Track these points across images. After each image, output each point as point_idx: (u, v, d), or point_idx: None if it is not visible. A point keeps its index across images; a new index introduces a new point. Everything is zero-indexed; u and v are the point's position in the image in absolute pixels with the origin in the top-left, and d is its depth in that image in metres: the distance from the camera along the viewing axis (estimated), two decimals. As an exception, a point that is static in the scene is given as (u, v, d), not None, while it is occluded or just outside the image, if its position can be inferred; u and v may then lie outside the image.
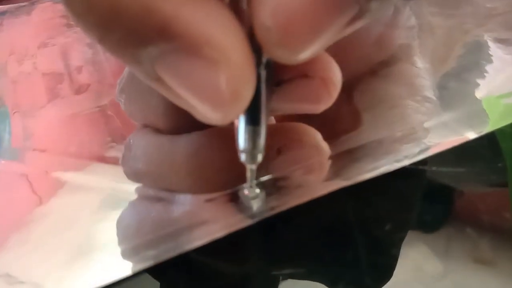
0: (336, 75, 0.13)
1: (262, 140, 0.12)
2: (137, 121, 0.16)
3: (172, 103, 0.13)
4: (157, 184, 0.15)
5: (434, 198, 0.15)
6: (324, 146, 0.15)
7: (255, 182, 0.14)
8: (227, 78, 0.10)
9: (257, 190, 0.14)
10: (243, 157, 0.13)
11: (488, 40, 0.19)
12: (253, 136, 0.12)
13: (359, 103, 0.16)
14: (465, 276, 0.13)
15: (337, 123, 0.16)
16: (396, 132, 0.15)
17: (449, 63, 0.18)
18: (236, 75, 0.10)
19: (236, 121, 0.13)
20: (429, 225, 0.14)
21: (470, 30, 0.20)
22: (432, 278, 0.13)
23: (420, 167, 0.16)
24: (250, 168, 0.13)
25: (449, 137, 0.16)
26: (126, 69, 0.15)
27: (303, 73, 0.13)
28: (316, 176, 0.14)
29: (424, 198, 0.15)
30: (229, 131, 0.14)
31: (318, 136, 0.15)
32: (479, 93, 0.17)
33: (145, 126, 0.15)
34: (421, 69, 0.17)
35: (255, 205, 0.14)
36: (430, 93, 0.16)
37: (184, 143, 0.14)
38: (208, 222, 0.14)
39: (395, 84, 0.17)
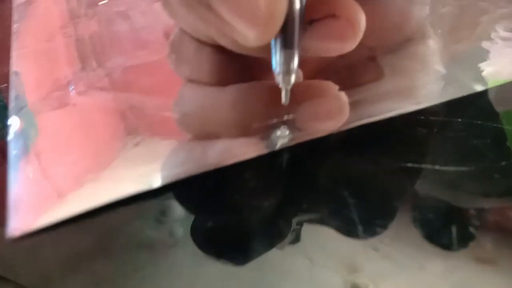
0: (360, 16, 0.14)
1: (295, 63, 0.14)
2: (185, 77, 0.18)
3: (218, 59, 0.16)
4: (202, 127, 0.17)
5: (436, 197, 0.15)
6: (343, 96, 0.16)
7: (288, 102, 0.15)
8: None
9: (287, 132, 0.16)
10: (279, 78, 0.14)
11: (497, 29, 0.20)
12: (287, 59, 0.14)
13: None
14: (467, 275, 0.13)
15: (362, 75, 0.18)
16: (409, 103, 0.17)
17: (462, 43, 0.20)
18: None
19: (272, 48, 0.14)
20: (431, 224, 0.14)
21: (483, 12, 0.21)
22: (434, 277, 0.13)
23: (423, 166, 0.16)
24: (286, 88, 0.15)
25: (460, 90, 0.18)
26: (176, 32, 0.18)
27: (331, 13, 0.14)
28: (337, 121, 0.16)
29: (426, 197, 0.15)
30: (268, 84, 0.16)
31: (337, 88, 0.16)
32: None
33: (191, 81, 0.18)
34: (433, 49, 0.19)
35: (280, 143, 0.16)
36: (440, 68, 0.19)
37: (228, 91, 0.17)
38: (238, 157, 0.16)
39: (411, 60, 0.19)
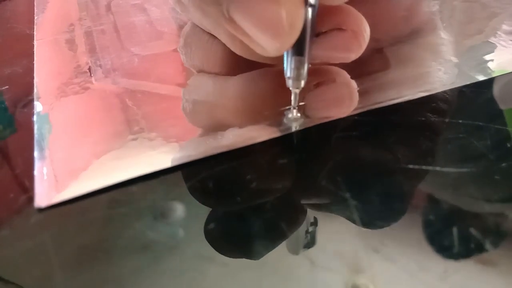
0: (365, 29, 0.16)
1: (305, 69, 0.15)
2: (195, 68, 0.19)
3: (228, 51, 0.17)
4: (211, 115, 0.18)
5: (437, 199, 0.15)
6: (353, 83, 0.17)
7: (297, 104, 0.17)
8: (287, 13, 0.13)
9: (298, 114, 0.17)
10: (289, 83, 0.16)
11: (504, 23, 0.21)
12: (298, 65, 0.15)
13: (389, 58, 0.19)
14: (467, 276, 0.13)
15: (369, 65, 0.19)
16: (419, 89, 0.18)
17: (472, 39, 0.21)
18: (293, 10, 0.13)
19: (284, 54, 0.15)
20: (432, 225, 0.14)
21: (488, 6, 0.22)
22: (434, 278, 0.13)
23: (424, 167, 0.16)
24: (295, 92, 0.16)
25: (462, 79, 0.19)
26: (188, 24, 0.18)
27: (338, 26, 0.16)
28: (346, 108, 0.17)
29: (427, 198, 0.15)
30: (273, 72, 0.17)
31: (348, 75, 0.17)
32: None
33: (202, 71, 0.18)
34: (444, 39, 0.21)
35: (294, 125, 0.17)
36: (450, 57, 0.20)
37: (236, 79, 0.18)
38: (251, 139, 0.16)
39: (421, 49, 0.20)
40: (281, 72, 0.16)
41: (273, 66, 0.18)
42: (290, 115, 0.17)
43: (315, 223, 0.14)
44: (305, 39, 0.15)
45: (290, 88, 0.16)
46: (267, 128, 0.17)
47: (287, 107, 0.17)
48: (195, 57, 0.19)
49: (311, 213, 0.15)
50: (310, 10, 0.14)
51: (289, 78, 0.16)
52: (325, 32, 0.16)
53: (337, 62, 0.17)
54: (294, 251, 0.14)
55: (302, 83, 0.16)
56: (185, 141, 0.17)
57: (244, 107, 0.17)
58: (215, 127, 0.17)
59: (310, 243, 0.14)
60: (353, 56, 0.16)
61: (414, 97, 0.18)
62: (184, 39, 0.19)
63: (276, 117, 0.17)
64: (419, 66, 0.19)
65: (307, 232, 0.14)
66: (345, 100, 0.17)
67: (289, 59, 0.15)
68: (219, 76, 0.18)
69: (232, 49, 0.17)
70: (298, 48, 0.15)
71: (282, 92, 0.17)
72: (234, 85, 0.18)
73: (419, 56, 0.20)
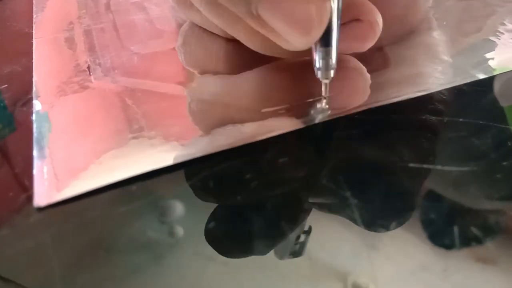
0: (379, 19, 0.17)
1: (333, 59, 0.16)
2: (197, 68, 0.19)
3: (230, 49, 0.17)
4: (222, 115, 0.17)
5: (438, 197, 0.15)
6: (367, 75, 0.18)
7: (328, 94, 0.17)
8: (316, 9, 0.14)
9: (327, 106, 0.17)
10: (319, 74, 0.16)
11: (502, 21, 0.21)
12: (326, 55, 0.16)
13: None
14: (468, 275, 0.13)
15: (369, 63, 0.19)
16: (420, 88, 0.18)
17: (470, 37, 0.21)
18: (320, 5, 0.14)
19: (312, 46, 0.16)
20: (433, 224, 0.14)
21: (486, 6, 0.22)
22: (435, 277, 0.13)
23: (425, 166, 0.16)
24: (325, 82, 0.17)
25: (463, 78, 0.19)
26: (187, 23, 0.18)
27: (355, 17, 0.17)
28: (360, 98, 0.18)
29: (428, 197, 0.15)
30: (284, 66, 0.18)
31: (356, 61, 0.18)
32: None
33: (204, 72, 0.19)
34: (439, 40, 0.21)
35: (320, 117, 0.17)
36: (446, 57, 0.20)
37: (248, 75, 0.18)
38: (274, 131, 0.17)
39: (417, 50, 0.20)
40: (296, 64, 0.17)
41: (283, 60, 0.18)
42: (318, 106, 0.17)
43: (308, 231, 0.14)
44: (333, 29, 0.15)
45: (320, 79, 0.17)
46: (289, 120, 0.17)
47: (312, 99, 0.17)
48: (194, 55, 0.19)
49: (308, 220, 0.14)
50: (334, 5, 0.15)
51: (318, 69, 0.16)
52: (344, 23, 0.16)
53: (352, 51, 0.18)
54: (280, 255, 0.13)
55: (332, 73, 0.16)
56: (195, 137, 0.17)
57: (263, 101, 0.17)
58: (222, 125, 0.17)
59: (297, 252, 0.13)
60: (369, 45, 0.17)
61: (415, 96, 0.18)
62: (183, 37, 0.19)
63: (298, 108, 0.17)
64: (417, 65, 0.19)
65: (297, 239, 0.14)
66: (360, 86, 0.18)
67: (317, 50, 0.16)
68: (225, 75, 0.18)
69: (250, 45, 0.17)
70: (326, 39, 0.15)
71: (300, 83, 0.17)
72: (248, 81, 0.18)
73: (417, 56, 0.20)
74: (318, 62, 0.16)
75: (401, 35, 0.21)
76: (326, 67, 0.16)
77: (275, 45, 0.15)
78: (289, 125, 0.17)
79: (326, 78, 0.16)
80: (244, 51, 0.18)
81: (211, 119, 0.17)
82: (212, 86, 0.18)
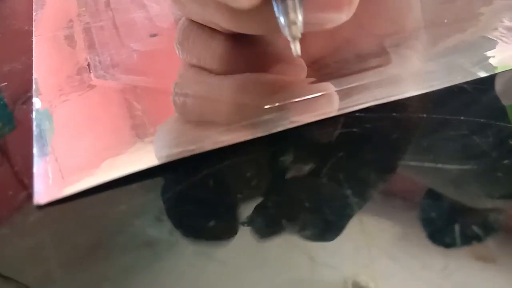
0: None
1: (298, 12, 0.14)
2: (192, 64, 0.19)
3: (228, 48, 0.17)
4: (200, 112, 0.17)
5: (439, 195, 0.15)
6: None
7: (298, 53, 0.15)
8: None
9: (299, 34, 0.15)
10: (285, 32, 0.14)
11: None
12: (289, 9, 0.14)
13: None
14: (469, 274, 0.13)
15: (370, 61, 0.19)
16: (420, 86, 0.18)
17: (467, 33, 0.21)
18: None
19: (274, 7, 0.14)
20: (434, 222, 0.14)
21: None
22: (436, 275, 0.13)
23: (426, 164, 0.15)
24: (293, 40, 0.15)
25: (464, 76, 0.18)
26: (184, 20, 0.18)
27: None
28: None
29: (429, 196, 0.15)
30: (268, 76, 0.18)
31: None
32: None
33: (193, 66, 0.19)
34: (436, 38, 0.21)
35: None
36: (424, 63, 0.19)
37: (231, 80, 0.18)
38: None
39: (416, 48, 0.20)
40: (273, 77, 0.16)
41: (269, 45, 0.18)
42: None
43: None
44: None
45: (288, 38, 0.15)
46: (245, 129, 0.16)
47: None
48: (192, 52, 0.19)
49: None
50: None
51: (284, 26, 0.14)
52: None
53: (329, 26, 0.15)
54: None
55: (300, 28, 0.14)
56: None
57: (236, 110, 0.17)
58: (202, 124, 0.17)
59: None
60: (344, 16, 0.15)
61: (415, 94, 0.18)
62: (181, 34, 0.19)
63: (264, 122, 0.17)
64: (417, 63, 0.19)
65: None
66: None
67: (279, 5, 0.14)
68: (213, 74, 0.18)
69: (224, 24, 0.16)
70: None
71: (271, 96, 0.17)
72: (229, 87, 0.18)
73: (416, 54, 0.20)
74: (281, 17, 0.14)
75: (401, 33, 0.21)
76: (291, 21, 0.14)
77: (245, 20, 0.15)
78: (250, 134, 0.16)
79: (295, 34, 0.14)
80: (241, 51, 0.18)
81: (191, 114, 0.17)
82: (197, 82, 0.18)
